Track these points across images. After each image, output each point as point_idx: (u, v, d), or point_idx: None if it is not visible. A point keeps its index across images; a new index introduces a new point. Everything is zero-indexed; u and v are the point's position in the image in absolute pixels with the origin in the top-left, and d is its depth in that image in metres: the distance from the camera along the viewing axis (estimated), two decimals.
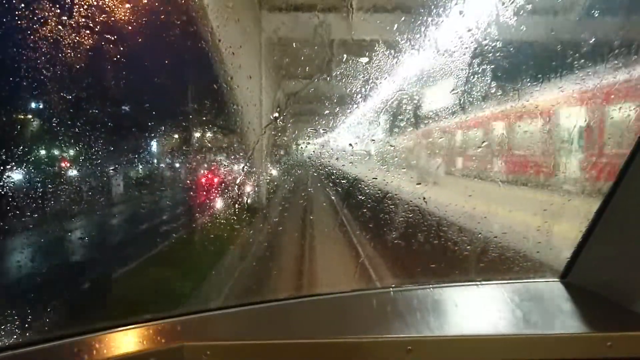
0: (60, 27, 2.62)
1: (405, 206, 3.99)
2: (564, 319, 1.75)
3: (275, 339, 1.56)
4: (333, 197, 7.75)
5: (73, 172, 4.18)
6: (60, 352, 1.47)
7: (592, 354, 1.52)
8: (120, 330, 1.60)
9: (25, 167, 3.25)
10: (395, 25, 3.38)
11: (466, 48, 3.03)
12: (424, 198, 3.53)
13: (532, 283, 2.10)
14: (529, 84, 3.38)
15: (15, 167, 3.13)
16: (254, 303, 1.87)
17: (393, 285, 1.99)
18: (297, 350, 1.52)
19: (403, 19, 3.45)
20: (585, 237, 1.93)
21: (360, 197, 4.50)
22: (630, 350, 1.53)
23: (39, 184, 3.38)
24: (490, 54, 2.95)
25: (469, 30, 2.97)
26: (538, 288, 2.01)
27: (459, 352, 1.54)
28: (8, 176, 3.04)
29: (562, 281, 2.00)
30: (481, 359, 1.53)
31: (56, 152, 4.08)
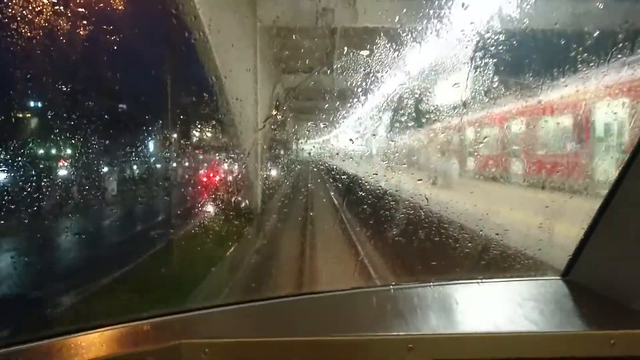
0: (55, 18, 2.58)
1: (406, 203, 3.95)
2: (566, 317, 1.74)
3: (274, 336, 1.55)
4: (332, 193, 7.72)
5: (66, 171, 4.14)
6: (58, 349, 1.46)
7: (595, 352, 1.51)
8: (118, 328, 1.59)
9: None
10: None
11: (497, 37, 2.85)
12: (426, 196, 3.50)
13: (534, 281, 2.08)
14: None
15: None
16: (252, 301, 1.86)
17: (393, 283, 1.98)
18: (296, 348, 1.51)
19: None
20: (587, 235, 1.91)
21: (360, 193, 4.47)
22: (634, 349, 1.51)
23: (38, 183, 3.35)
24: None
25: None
26: (540, 286, 2.00)
27: (460, 350, 1.52)
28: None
29: (563, 279, 1.99)
30: (482, 357, 1.52)
31: (52, 151, 4.04)
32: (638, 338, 1.55)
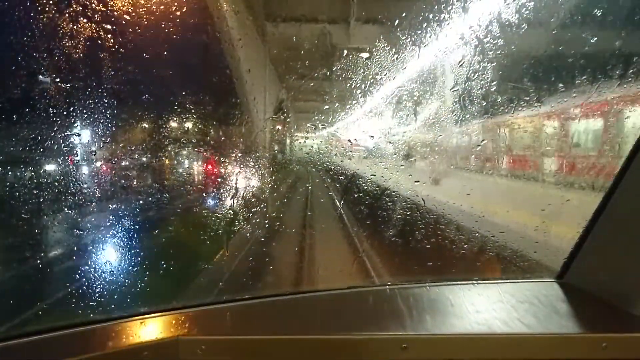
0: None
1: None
2: (559, 319, 1.75)
3: (271, 334, 1.56)
4: (331, 193, 7.71)
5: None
6: (55, 343, 1.47)
7: (587, 354, 1.52)
8: (116, 323, 1.60)
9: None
10: None
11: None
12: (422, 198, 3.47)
13: (529, 283, 2.10)
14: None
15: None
16: (250, 298, 1.87)
17: (389, 283, 1.99)
18: (292, 346, 1.52)
19: None
20: (582, 238, 1.93)
21: (360, 194, 4.44)
22: (625, 352, 1.53)
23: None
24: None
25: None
26: (534, 288, 2.01)
27: (454, 350, 1.54)
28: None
29: (558, 281, 2.00)
30: (476, 358, 1.53)
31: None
32: (629, 341, 1.57)
